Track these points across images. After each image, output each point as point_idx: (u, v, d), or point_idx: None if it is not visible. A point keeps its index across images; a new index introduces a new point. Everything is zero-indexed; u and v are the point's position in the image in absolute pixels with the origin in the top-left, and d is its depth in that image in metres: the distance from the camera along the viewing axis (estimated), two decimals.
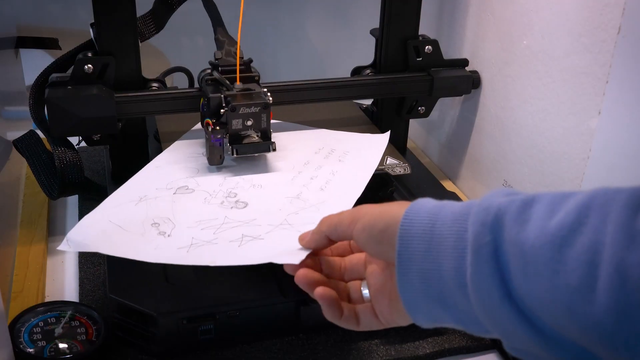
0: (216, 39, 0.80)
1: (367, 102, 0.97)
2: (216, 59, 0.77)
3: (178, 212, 0.67)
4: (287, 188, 0.72)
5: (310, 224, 0.61)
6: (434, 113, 0.93)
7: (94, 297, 0.72)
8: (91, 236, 0.62)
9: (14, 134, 0.84)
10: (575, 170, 0.72)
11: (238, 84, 0.75)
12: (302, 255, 0.55)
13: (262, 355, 0.66)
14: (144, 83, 0.80)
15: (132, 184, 0.72)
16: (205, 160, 0.76)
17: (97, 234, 0.63)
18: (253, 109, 0.72)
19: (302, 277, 0.52)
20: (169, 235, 0.63)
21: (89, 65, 0.74)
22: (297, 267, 0.54)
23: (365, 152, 0.80)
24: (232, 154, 0.73)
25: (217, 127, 0.73)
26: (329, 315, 0.52)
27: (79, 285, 0.74)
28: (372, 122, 0.91)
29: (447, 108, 1.00)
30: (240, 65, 0.75)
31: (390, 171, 0.78)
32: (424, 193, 0.74)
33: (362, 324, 0.52)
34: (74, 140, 0.80)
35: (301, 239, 0.56)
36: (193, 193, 0.71)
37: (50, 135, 0.77)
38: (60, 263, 0.80)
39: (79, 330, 0.64)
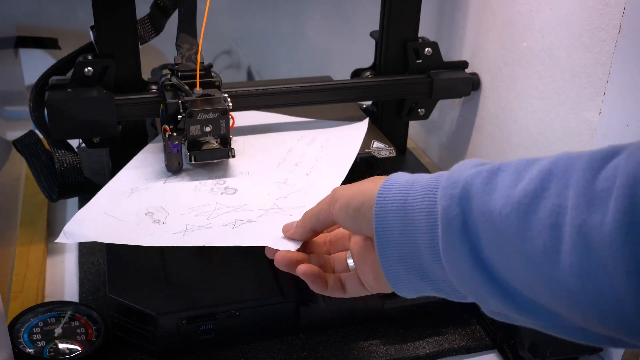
0: (176, 45, 0.78)
1: (367, 103, 0.97)
2: (175, 64, 0.76)
3: (170, 201, 0.68)
4: (273, 174, 0.73)
5: (300, 207, 0.63)
6: (434, 113, 0.94)
7: (94, 297, 0.72)
8: (87, 227, 0.63)
9: (14, 134, 0.85)
10: None
11: (198, 89, 0.73)
12: (298, 244, 0.56)
13: (262, 355, 0.66)
14: (144, 85, 0.79)
15: (122, 176, 0.72)
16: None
17: (93, 225, 0.63)
18: (211, 115, 0.70)
19: (280, 259, 0.54)
20: (163, 223, 0.64)
21: (89, 68, 0.74)
22: (274, 250, 0.55)
23: (346, 137, 0.82)
24: (190, 161, 0.71)
25: (174, 134, 0.71)
26: (314, 288, 0.54)
27: (79, 285, 0.74)
28: (372, 122, 0.91)
29: (447, 108, 1.00)
30: (200, 70, 0.74)
31: (376, 154, 0.79)
32: None
33: (349, 291, 0.54)
34: (74, 142, 0.80)
35: (285, 230, 0.58)
36: (182, 181, 0.71)
37: (50, 138, 0.77)
38: (60, 263, 0.80)
39: (78, 330, 0.64)
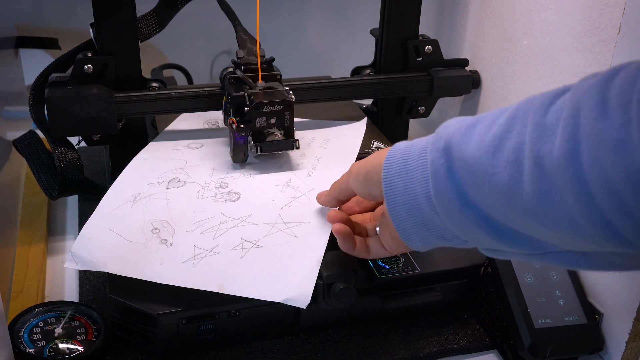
0: (238, 37, 0.80)
1: (367, 102, 0.97)
2: (238, 58, 0.78)
3: (174, 213, 0.67)
4: (276, 175, 0.73)
5: (303, 222, 0.66)
6: (434, 113, 0.93)
7: (94, 297, 0.72)
8: (96, 252, 0.63)
9: (14, 134, 0.84)
10: None
11: (260, 82, 0.75)
12: (309, 291, 0.59)
13: (262, 355, 0.66)
14: (144, 83, 0.79)
15: (124, 180, 0.72)
16: (191, 151, 0.77)
17: (101, 248, 0.63)
18: (276, 107, 0.72)
19: (332, 216, 0.63)
20: (171, 244, 0.64)
21: (89, 65, 0.74)
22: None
23: (345, 137, 0.82)
24: (256, 152, 0.73)
25: (242, 125, 0.73)
26: (344, 246, 0.60)
27: (79, 285, 0.74)
28: (372, 122, 0.91)
29: (447, 108, 1.00)
30: (262, 63, 0.76)
31: None
32: None
33: (372, 253, 0.61)
34: (73, 140, 0.80)
35: (318, 197, 0.67)
36: (185, 186, 0.71)
37: (50, 135, 0.77)
38: (60, 263, 0.80)
39: (78, 330, 0.64)
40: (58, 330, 0.64)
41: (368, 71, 0.90)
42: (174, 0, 0.82)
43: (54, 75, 0.75)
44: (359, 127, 0.85)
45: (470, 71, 0.90)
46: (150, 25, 0.80)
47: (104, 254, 0.63)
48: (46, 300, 0.73)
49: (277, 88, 0.75)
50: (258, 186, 0.72)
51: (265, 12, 1.20)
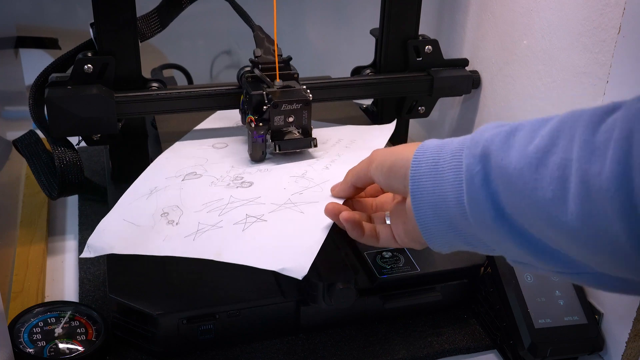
0: (255, 36, 0.81)
1: (367, 102, 0.97)
2: (256, 57, 0.78)
3: (186, 198, 0.67)
4: (292, 169, 0.73)
5: (313, 202, 0.64)
6: (434, 113, 0.93)
7: (94, 297, 0.72)
8: (108, 239, 0.63)
9: (14, 134, 0.84)
10: None
11: (278, 81, 0.76)
12: (308, 263, 0.57)
13: (262, 355, 0.66)
14: (144, 83, 0.79)
15: (144, 177, 0.72)
16: (214, 150, 0.77)
17: (112, 236, 0.64)
18: (295, 106, 0.73)
19: (330, 208, 0.60)
20: (177, 224, 0.64)
21: (89, 65, 0.74)
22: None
23: (371, 138, 0.81)
24: (275, 150, 0.73)
25: (260, 124, 0.73)
26: (353, 234, 0.58)
27: (79, 285, 0.74)
28: (372, 122, 0.91)
29: (447, 108, 1.00)
30: (279, 62, 0.76)
31: None
32: None
33: (382, 241, 0.59)
34: (73, 140, 0.80)
35: (332, 189, 0.64)
36: (201, 178, 0.71)
37: (50, 135, 0.77)
38: (60, 263, 0.80)
39: (79, 330, 0.64)
40: (58, 330, 0.64)
41: (368, 71, 0.90)
42: (179, 0, 0.82)
43: (54, 75, 0.75)
44: (387, 130, 0.84)
45: (470, 71, 0.90)
46: (152, 25, 0.80)
47: (114, 240, 0.63)
48: (46, 300, 0.73)
49: (294, 87, 0.75)
50: (272, 177, 0.71)
51: (265, 12, 1.20)
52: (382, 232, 0.59)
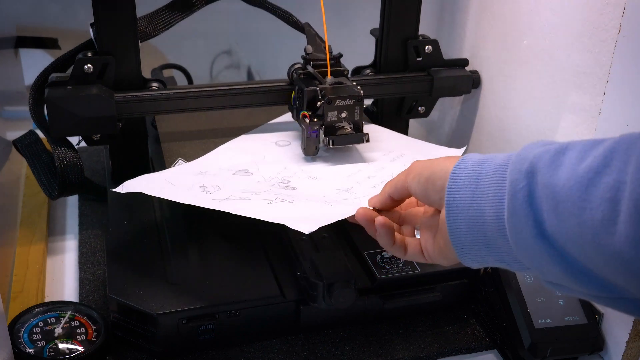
0: (307, 33, 0.82)
1: (367, 102, 0.97)
2: (307, 54, 0.79)
3: (228, 183, 0.69)
4: (341, 182, 0.72)
5: (344, 199, 0.65)
6: (434, 113, 0.93)
7: (94, 297, 0.72)
8: (143, 184, 0.67)
9: (14, 134, 0.85)
10: None
11: (329, 77, 0.77)
12: (315, 225, 0.58)
13: (262, 355, 0.66)
14: (144, 83, 0.79)
15: (200, 161, 0.75)
16: (276, 147, 0.78)
17: (149, 183, 0.67)
18: (347, 102, 0.74)
19: (362, 212, 0.59)
20: (211, 193, 0.66)
21: (89, 65, 0.74)
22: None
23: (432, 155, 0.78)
24: (328, 145, 0.74)
25: (314, 119, 0.74)
26: (383, 241, 0.57)
27: (79, 285, 0.74)
28: (372, 122, 0.91)
29: (447, 108, 1.00)
30: (330, 59, 0.78)
31: None
32: None
33: (409, 254, 0.58)
34: (74, 140, 0.80)
35: (369, 201, 0.62)
36: (251, 176, 0.72)
37: (50, 135, 0.77)
38: (60, 263, 0.80)
39: (79, 330, 0.64)
40: (58, 330, 0.64)
41: (368, 71, 0.90)
42: (191, 1, 0.82)
43: (54, 75, 0.75)
44: (454, 153, 0.80)
45: (470, 71, 0.90)
46: (156, 25, 0.80)
47: (148, 185, 0.66)
48: (46, 300, 0.73)
49: (345, 83, 0.76)
50: (317, 187, 0.71)
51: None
52: (411, 245, 0.58)
